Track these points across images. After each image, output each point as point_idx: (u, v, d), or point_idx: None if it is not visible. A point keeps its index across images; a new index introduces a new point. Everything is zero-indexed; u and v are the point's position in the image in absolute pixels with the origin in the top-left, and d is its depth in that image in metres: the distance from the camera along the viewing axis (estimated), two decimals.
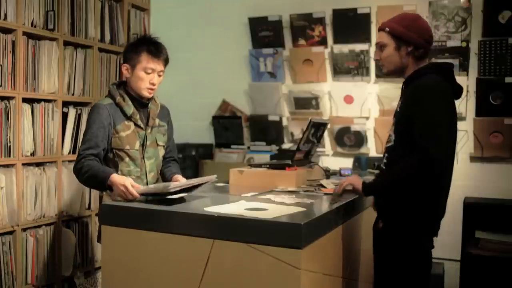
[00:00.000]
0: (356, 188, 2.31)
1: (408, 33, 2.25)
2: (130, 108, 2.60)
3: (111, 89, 2.65)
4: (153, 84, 2.60)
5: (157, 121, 2.72)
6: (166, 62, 2.64)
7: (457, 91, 2.31)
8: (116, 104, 2.59)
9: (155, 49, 2.60)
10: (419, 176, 2.11)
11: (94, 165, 2.46)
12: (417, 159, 2.08)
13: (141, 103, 2.66)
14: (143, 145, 2.64)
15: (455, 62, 3.95)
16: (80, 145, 2.56)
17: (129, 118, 2.60)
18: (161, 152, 2.76)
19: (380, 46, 2.34)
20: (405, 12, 2.37)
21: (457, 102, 3.80)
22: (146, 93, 2.61)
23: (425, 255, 2.28)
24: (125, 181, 2.30)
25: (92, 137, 2.50)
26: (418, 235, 2.23)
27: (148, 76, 2.58)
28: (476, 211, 3.70)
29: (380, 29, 2.36)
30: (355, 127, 4.26)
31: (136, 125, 2.62)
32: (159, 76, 2.63)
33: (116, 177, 2.35)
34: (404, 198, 2.20)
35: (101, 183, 2.40)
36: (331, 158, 4.36)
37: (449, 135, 2.18)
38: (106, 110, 2.55)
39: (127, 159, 2.59)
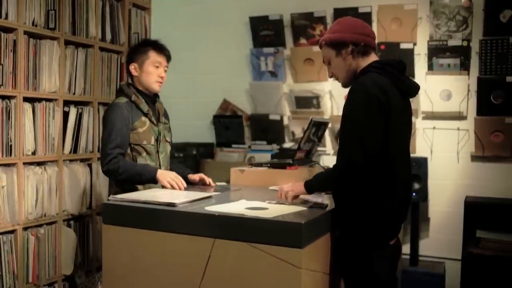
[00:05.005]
0: (299, 192, 2.24)
1: (340, 35, 2.22)
2: (145, 105, 2.79)
3: (124, 88, 2.83)
4: (162, 78, 2.82)
5: (162, 118, 2.91)
6: (169, 58, 2.87)
7: (406, 88, 2.22)
8: (132, 101, 2.76)
9: (160, 46, 2.85)
10: (341, 181, 2.12)
11: (129, 164, 2.67)
12: (338, 164, 2.10)
13: (151, 100, 2.86)
14: (157, 140, 2.82)
15: (456, 61, 3.95)
16: (104, 143, 2.69)
17: (145, 114, 2.78)
18: (168, 147, 2.94)
19: (327, 63, 2.32)
20: (343, 18, 2.32)
21: (458, 101, 3.91)
22: (156, 87, 2.83)
23: (381, 264, 2.14)
24: (172, 172, 2.67)
25: (117, 136, 2.68)
26: (369, 243, 2.12)
27: (156, 70, 2.81)
28: (477, 211, 3.70)
29: (320, 48, 2.33)
30: None
31: (150, 121, 2.79)
32: (165, 71, 2.84)
33: (162, 171, 2.65)
34: (356, 206, 2.12)
35: (147, 181, 2.64)
36: (332, 157, 4.35)
37: (388, 134, 2.07)
38: (125, 108, 2.72)
39: (144, 153, 2.77)
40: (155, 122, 2.82)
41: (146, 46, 2.83)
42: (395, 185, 2.13)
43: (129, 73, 2.87)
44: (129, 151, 2.74)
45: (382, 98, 2.06)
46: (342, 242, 2.18)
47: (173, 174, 2.65)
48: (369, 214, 2.10)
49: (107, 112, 2.75)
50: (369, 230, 2.11)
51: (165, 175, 2.63)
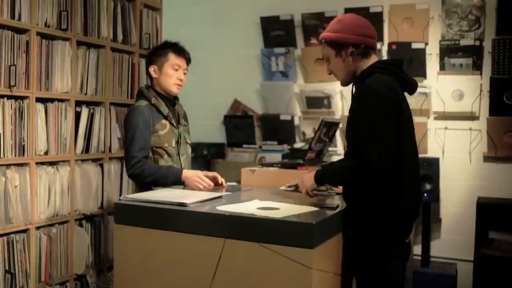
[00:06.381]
0: (312, 187, 2.28)
1: (340, 35, 2.20)
2: (165, 108, 2.80)
3: (144, 91, 2.84)
4: (181, 80, 2.83)
5: (182, 120, 2.93)
6: (188, 61, 2.89)
7: (408, 87, 2.23)
8: (152, 104, 2.77)
9: (180, 48, 2.86)
10: (358, 179, 2.10)
11: (154, 167, 2.69)
12: (357, 163, 2.05)
13: (171, 102, 2.87)
14: (177, 142, 2.83)
15: (468, 61, 3.92)
16: (128, 146, 2.71)
17: (165, 117, 2.78)
18: (189, 149, 2.97)
19: (326, 60, 2.31)
20: (345, 15, 2.33)
21: (470, 101, 3.90)
22: (175, 89, 2.84)
23: (395, 262, 2.17)
24: (197, 172, 2.68)
25: (140, 138, 2.70)
26: (386, 242, 2.14)
27: (175, 73, 2.82)
28: (490, 211, 3.67)
29: (319, 43, 2.32)
30: None
31: (170, 123, 2.80)
32: (184, 74, 2.85)
33: (187, 173, 2.67)
34: (370, 206, 2.13)
35: (173, 183, 2.66)
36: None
37: (400, 135, 2.09)
38: (146, 111, 2.73)
39: (165, 156, 2.78)
40: (175, 124, 2.83)
41: (166, 48, 2.84)
42: (408, 183, 2.14)
43: (148, 75, 2.88)
44: (150, 154, 2.76)
45: (393, 99, 2.07)
46: (357, 242, 2.18)
47: (198, 174, 2.66)
48: (385, 213, 2.11)
49: (128, 115, 2.77)
50: (386, 229, 2.12)
51: (191, 177, 2.65)
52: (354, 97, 2.18)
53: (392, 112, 2.06)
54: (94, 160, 3.63)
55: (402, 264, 2.25)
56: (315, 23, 4.41)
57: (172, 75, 2.81)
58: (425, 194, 3.82)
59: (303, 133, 4.53)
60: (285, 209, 2.08)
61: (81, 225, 3.51)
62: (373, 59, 2.25)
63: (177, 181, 2.66)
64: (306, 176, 2.32)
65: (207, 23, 4.91)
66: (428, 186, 3.83)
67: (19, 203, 3.06)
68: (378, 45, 4.16)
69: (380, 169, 1.99)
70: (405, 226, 2.19)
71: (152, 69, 2.84)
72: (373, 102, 2.05)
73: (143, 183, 2.71)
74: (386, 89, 2.07)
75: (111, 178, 3.70)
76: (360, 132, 2.07)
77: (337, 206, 2.20)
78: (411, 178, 2.18)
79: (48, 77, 3.26)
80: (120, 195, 3.69)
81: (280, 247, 1.87)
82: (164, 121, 2.78)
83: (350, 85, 2.34)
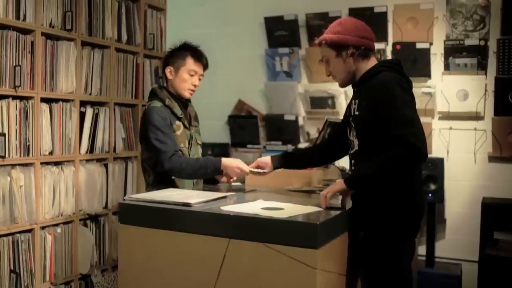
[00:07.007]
0: (338, 190, 2.16)
1: (342, 37, 2.24)
2: (178, 109, 2.79)
3: (158, 93, 2.81)
4: (195, 86, 2.81)
5: (193, 121, 2.92)
6: (206, 67, 2.86)
7: (410, 86, 2.28)
8: (166, 105, 2.75)
9: (199, 54, 2.84)
10: (404, 166, 2.07)
11: (192, 159, 2.69)
12: (401, 150, 2.02)
13: (184, 104, 2.85)
14: (189, 143, 2.82)
15: (473, 61, 3.91)
16: (157, 144, 2.63)
17: (179, 118, 2.77)
18: (200, 150, 2.95)
19: (326, 61, 2.33)
20: (344, 18, 2.37)
21: (474, 101, 3.90)
22: (187, 94, 2.82)
23: (406, 261, 2.21)
24: (237, 163, 2.60)
25: (166, 136, 2.66)
26: (399, 241, 2.16)
27: (191, 78, 2.80)
28: (495, 212, 3.66)
29: (319, 45, 2.35)
30: None
31: (183, 124, 2.80)
32: (199, 79, 2.84)
33: (227, 161, 2.62)
34: (381, 203, 2.15)
35: (212, 172, 2.64)
36: (347, 158, 4.33)
37: None
38: (163, 111, 2.72)
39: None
40: (187, 125, 2.83)
41: (185, 51, 2.81)
42: (417, 178, 2.21)
43: (164, 75, 2.85)
44: None
45: (411, 93, 2.19)
46: (370, 242, 2.19)
47: (239, 165, 2.59)
48: (399, 211, 2.14)
49: (147, 116, 2.70)
50: (400, 226, 2.15)
51: (231, 168, 2.59)
52: (366, 95, 2.19)
53: (411, 102, 2.16)
54: (98, 160, 3.64)
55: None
56: (319, 23, 4.40)
57: (187, 79, 2.78)
58: (430, 195, 3.81)
59: (307, 133, 4.52)
60: (289, 209, 2.08)
61: (85, 225, 3.52)
62: (372, 60, 2.29)
63: (216, 170, 2.62)
64: (334, 183, 2.24)
65: (211, 23, 4.91)
66: (432, 187, 3.82)
67: (24, 203, 3.07)
68: (383, 45, 4.16)
69: (426, 154, 2.03)
70: (417, 223, 2.23)
71: (168, 70, 2.81)
72: (399, 94, 2.10)
73: (182, 175, 2.66)
74: (402, 82, 2.15)
75: (115, 178, 3.71)
76: (393, 122, 2.06)
77: (342, 206, 2.19)
78: (419, 175, 2.26)
79: (53, 78, 3.28)
80: (125, 195, 3.70)
81: (285, 247, 1.87)
82: (178, 122, 2.77)
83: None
